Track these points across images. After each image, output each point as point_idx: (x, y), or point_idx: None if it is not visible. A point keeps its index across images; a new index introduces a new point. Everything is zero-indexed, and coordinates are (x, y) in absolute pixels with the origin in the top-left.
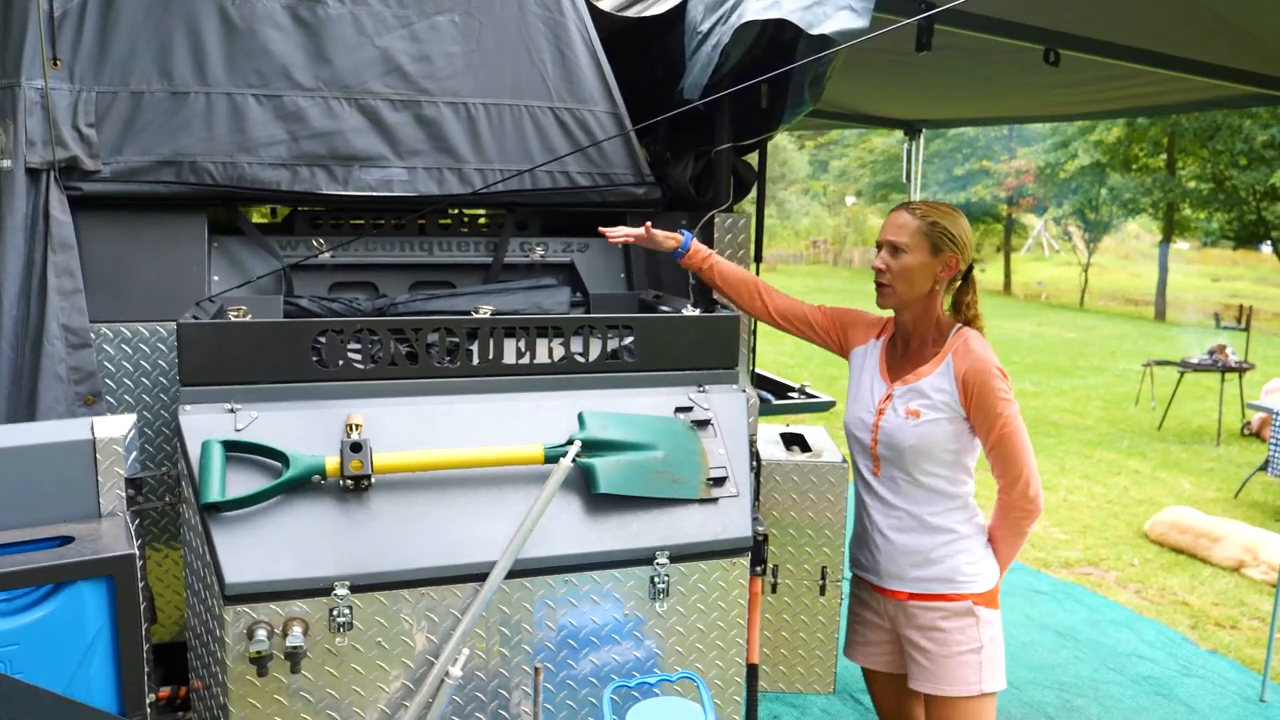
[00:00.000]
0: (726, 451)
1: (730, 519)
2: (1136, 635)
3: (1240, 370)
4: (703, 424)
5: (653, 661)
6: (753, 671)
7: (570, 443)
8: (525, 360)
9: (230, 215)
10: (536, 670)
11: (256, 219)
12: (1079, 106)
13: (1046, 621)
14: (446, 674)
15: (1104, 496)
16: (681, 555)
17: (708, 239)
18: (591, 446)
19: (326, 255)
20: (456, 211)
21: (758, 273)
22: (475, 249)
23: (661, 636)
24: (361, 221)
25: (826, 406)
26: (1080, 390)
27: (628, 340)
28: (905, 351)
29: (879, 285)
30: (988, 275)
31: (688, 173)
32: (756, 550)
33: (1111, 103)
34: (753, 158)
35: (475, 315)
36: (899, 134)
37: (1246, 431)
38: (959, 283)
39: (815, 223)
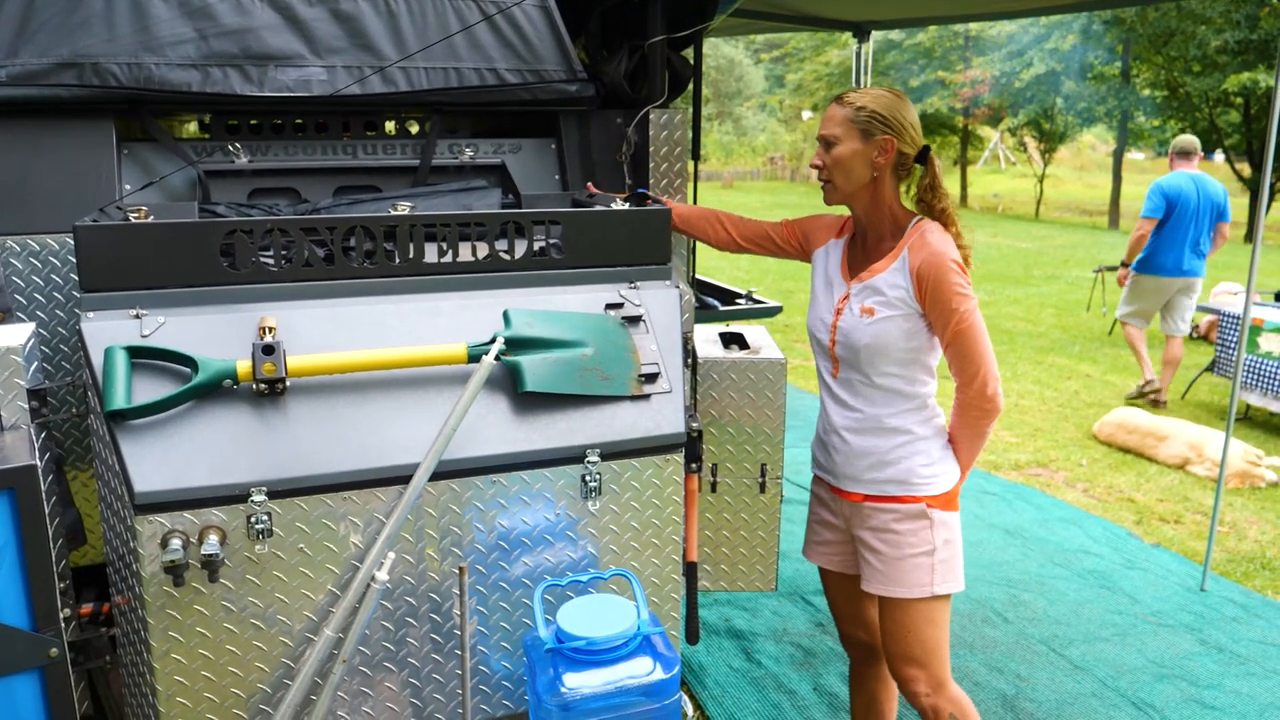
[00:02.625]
0: (659, 348)
1: (663, 415)
2: (1083, 532)
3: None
4: (634, 320)
5: (588, 561)
6: (691, 570)
7: (494, 340)
8: (448, 259)
9: (140, 121)
10: (461, 570)
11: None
12: (1029, 1)
13: (995, 521)
14: (372, 578)
15: (1055, 400)
16: (613, 453)
17: (643, 136)
18: (517, 344)
19: (244, 160)
20: (382, 113)
21: (696, 172)
22: (402, 151)
23: (595, 536)
24: (280, 124)
25: (773, 312)
26: (1033, 298)
27: (554, 238)
28: (864, 248)
29: (822, 184)
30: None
31: (622, 69)
32: (691, 447)
33: None
34: (691, 54)
35: (394, 214)
36: (853, 46)
37: (1195, 334)
38: (916, 172)
39: (772, 138)
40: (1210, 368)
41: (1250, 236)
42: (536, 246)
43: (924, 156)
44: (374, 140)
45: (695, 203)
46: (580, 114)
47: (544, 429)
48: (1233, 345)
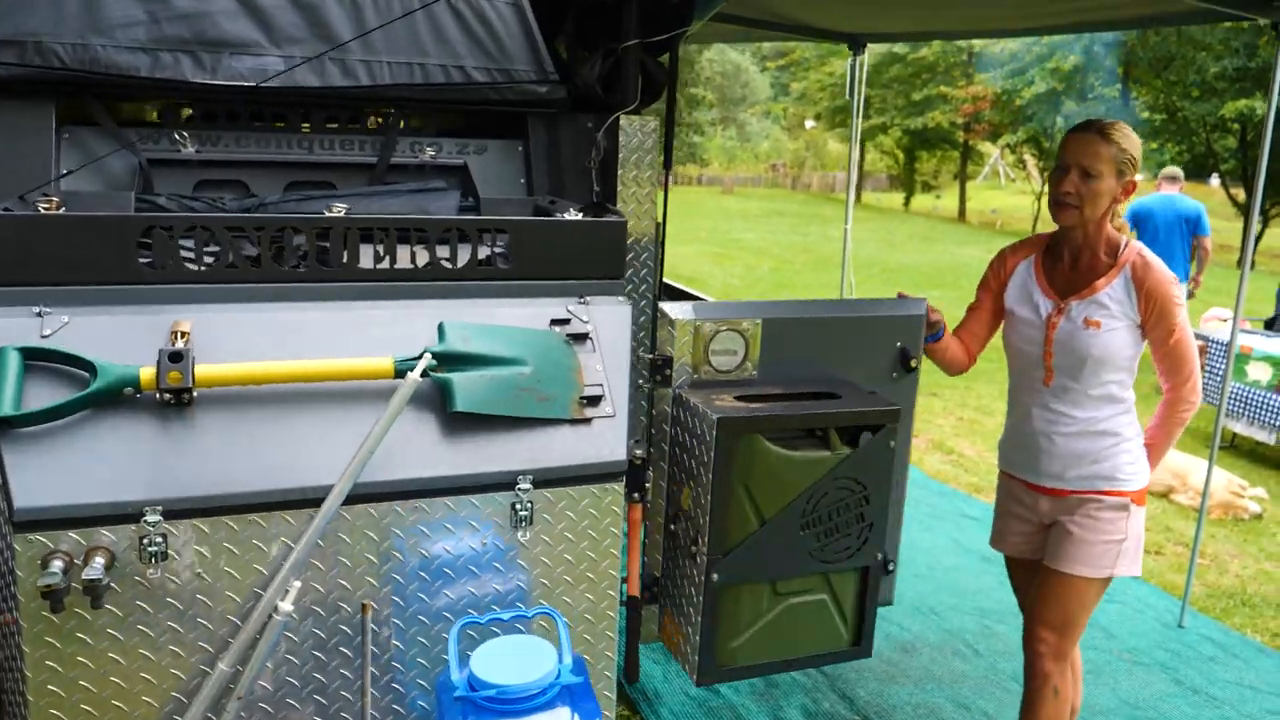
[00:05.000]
0: (605, 368)
1: (604, 441)
2: None
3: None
4: (580, 338)
5: (516, 595)
6: (633, 605)
7: (422, 355)
8: (385, 265)
9: (85, 105)
10: (364, 607)
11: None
12: (1025, 21)
13: (973, 547)
14: (274, 609)
15: None
16: (547, 480)
17: (613, 142)
18: (451, 360)
19: (191, 150)
20: (341, 107)
21: (667, 182)
22: (361, 148)
23: (525, 568)
24: (234, 114)
25: None
26: None
27: (501, 246)
28: (1075, 266)
29: (1065, 204)
30: (943, 202)
31: (595, 71)
32: (634, 475)
33: (1058, 17)
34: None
35: (328, 214)
36: (850, 58)
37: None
38: None
39: (775, 146)
40: None
41: (1242, 262)
42: (482, 255)
43: None
44: (331, 135)
45: (665, 214)
46: (550, 116)
47: (473, 452)
48: (1220, 373)
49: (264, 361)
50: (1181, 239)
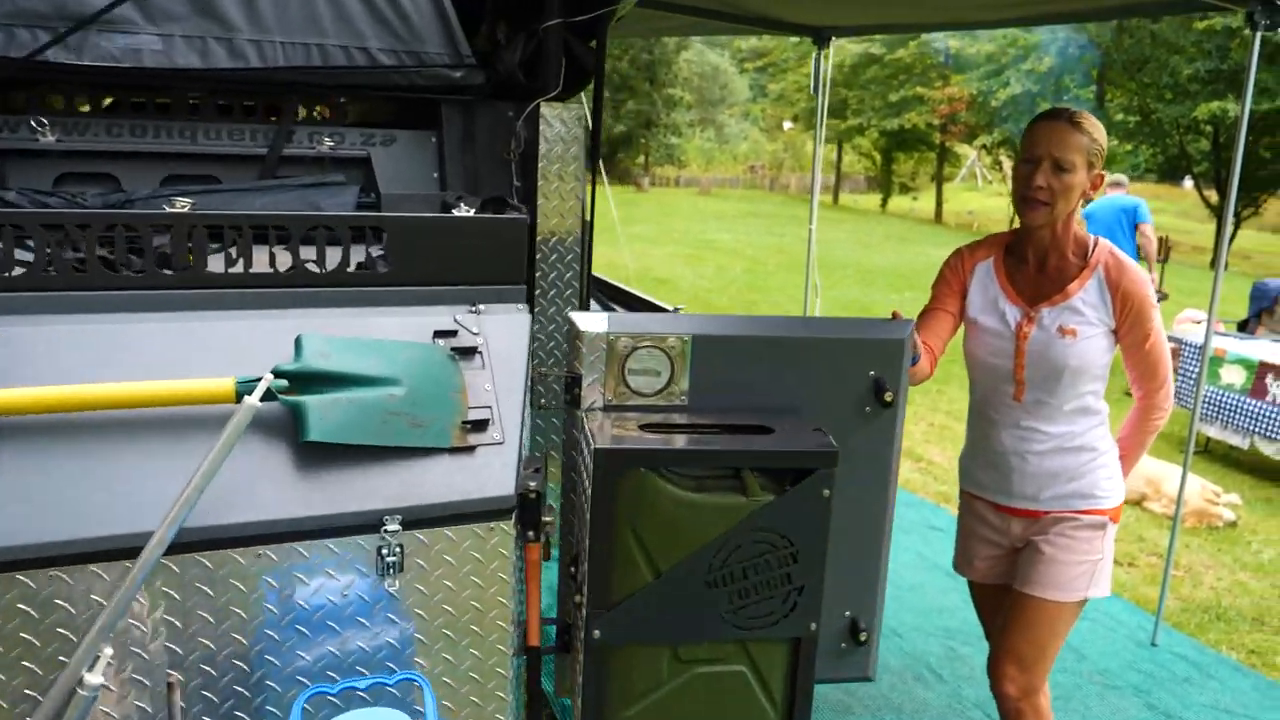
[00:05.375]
0: (495, 388)
1: (489, 473)
2: None
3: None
4: (468, 352)
5: (386, 654)
6: (533, 657)
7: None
8: (239, 269)
9: None
10: (170, 686)
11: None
12: (994, 13)
13: (939, 561)
14: (80, 682)
15: None
16: (420, 520)
17: (532, 132)
18: (306, 380)
19: (51, 139)
20: (228, 92)
21: (594, 179)
22: (252, 138)
23: (396, 622)
24: (106, 100)
25: None
26: None
27: (379, 248)
28: (1042, 268)
29: (1034, 201)
30: (920, 204)
31: (517, 55)
32: (528, 510)
33: (1026, 7)
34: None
35: (169, 210)
36: (836, 59)
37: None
38: None
39: (754, 147)
40: None
41: (1215, 264)
42: (360, 258)
43: None
44: (216, 124)
45: (593, 213)
46: (466, 104)
47: (331, 489)
48: (1194, 376)
49: (78, 384)
50: (1123, 232)
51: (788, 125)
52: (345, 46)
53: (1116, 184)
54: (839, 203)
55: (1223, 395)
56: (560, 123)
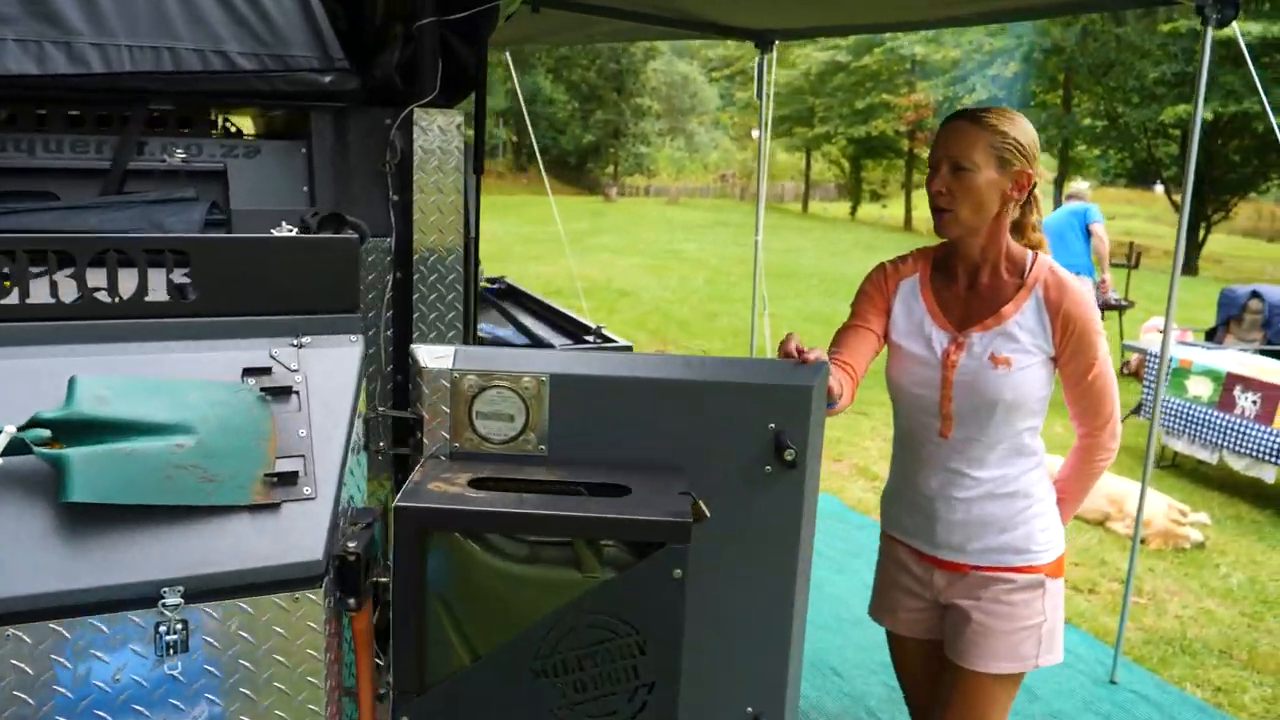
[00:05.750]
0: (312, 433)
1: (295, 534)
2: None
3: (1120, 308)
4: (282, 392)
5: None
6: None
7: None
8: (14, 300)
9: None
10: None
11: None
12: (943, 9)
13: None
14: None
15: None
16: (207, 591)
17: (407, 141)
18: (77, 429)
19: None
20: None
21: (479, 186)
22: (99, 150)
23: (182, 710)
24: None
25: (624, 352)
26: None
27: (184, 274)
28: (973, 287)
29: (937, 208)
30: (889, 211)
31: (395, 58)
32: (348, 575)
33: (968, 5)
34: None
35: None
36: (803, 66)
37: (1125, 371)
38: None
39: (724, 156)
40: (1137, 410)
41: (1183, 269)
42: (155, 284)
43: (1033, 190)
44: (52, 134)
45: (477, 226)
46: (338, 112)
47: (100, 558)
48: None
49: None
50: (1076, 235)
51: (756, 133)
52: (200, 50)
53: (1074, 196)
54: (808, 210)
55: (1190, 408)
56: (438, 130)
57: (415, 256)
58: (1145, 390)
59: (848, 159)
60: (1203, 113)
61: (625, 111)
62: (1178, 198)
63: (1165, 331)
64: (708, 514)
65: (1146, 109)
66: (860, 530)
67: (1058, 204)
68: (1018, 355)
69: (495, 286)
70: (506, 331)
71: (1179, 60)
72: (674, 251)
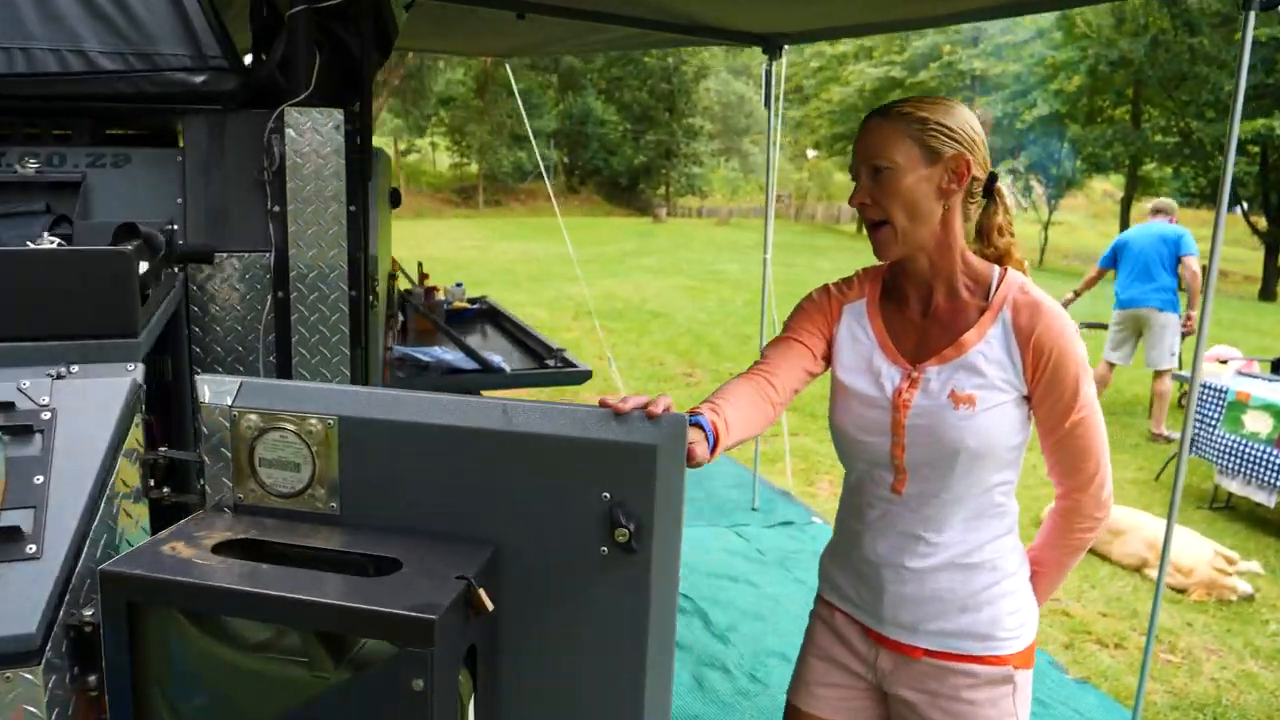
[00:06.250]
0: (52, 479)
1: (10, 601)
2: None
3: (1182, 335)
4: (21, 431)
5: None
6: None
7: None
8: None
9: None
10: None
11: None
12: (947, 6)
13: None
14: None
15: None
16: None
17: (281, 146)
18: None
19: None
20: None
21: (366, 196)
22: None
23: None
24: None
25: (582, 378)
26: None
27: None
28: (927, 312)
29: (871, 228)
30: None
31: (278, 54)
32: (80, 648)
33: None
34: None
35: None
36: (857, 83)
37: (1185, 403)
38: (980, 201)
39: (780, 176)
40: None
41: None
42: None
43: (992, 184)
44: None
45: (367, 239)
46: (214, 115)
47: None
48: (1213, 421)
49: None
50: (1162, 263)
51: (812, 154)
52: (56, 50)
53: (1160, 211)
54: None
55: (1246, 445)
56: (315, 132)
57: (293, 274)
58: (1196, 425)
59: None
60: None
61: (677, 132)
62: (1256, 219)
63: (1195, 360)
64: (490, 606)
65: (1222, 124)
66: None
67: (1123, 227)
68: (983, 392)
69: (475, 307)
70: (454, 355)
71: (1259, 71)
72: (715, 273)
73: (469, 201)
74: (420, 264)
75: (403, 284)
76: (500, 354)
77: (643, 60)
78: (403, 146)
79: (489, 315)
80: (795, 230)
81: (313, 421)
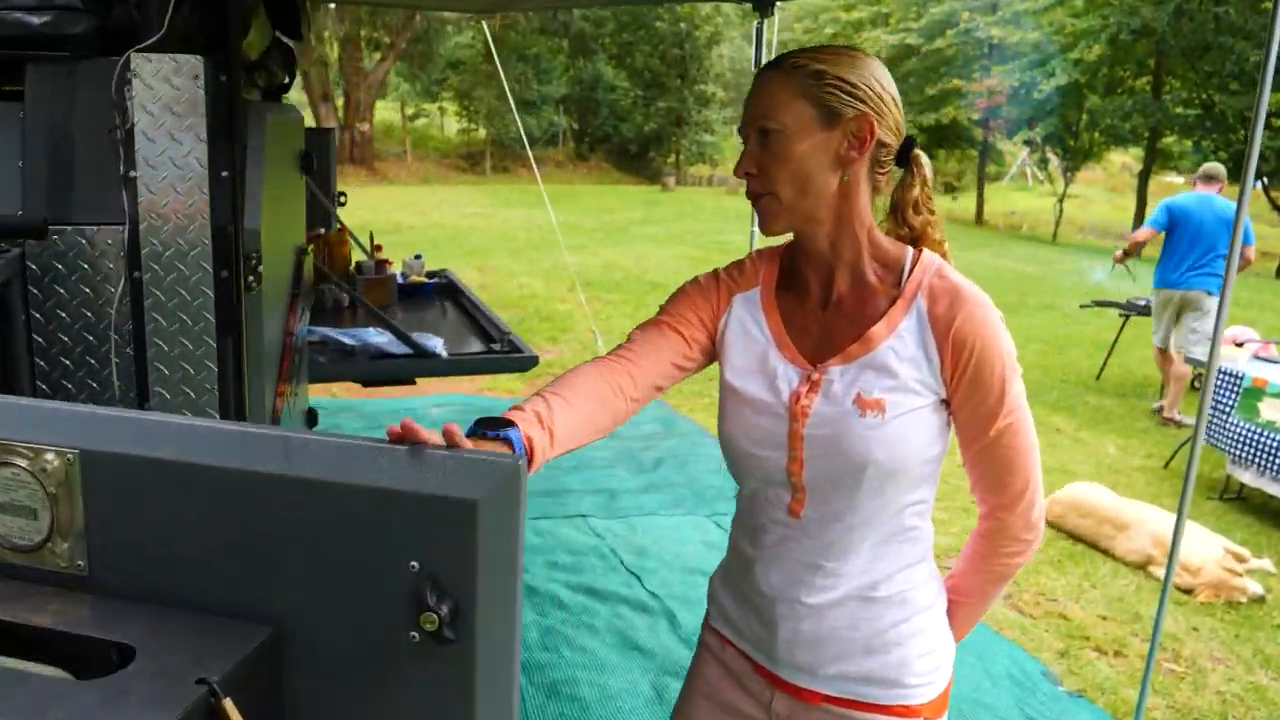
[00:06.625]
0: None
1: None
2: (982, 666)
3: None
4: None
5: None
6: None
7: None
8: None
9: None
10: None
11: None
12: None
13: None
14: None
15: None
16: None
17: (123, 99)
18: None
19: None
20: None
21: (237, 162)
22: None
23: None
24: None
25: (528, 365)
26: (1020, 330)
27: None
28: (829, 303)
29: (754, 198)
30: (960, 204)
31: None
32: None
33: None
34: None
35: None
36: (872, 51)
37: (1197, 385)
38: (895, 172)
39: None
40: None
41: (1229, 268)
42: None
43: (908, 152)
44: None
45: (242, 209)
46: (62, 63)
47: None
48: (1227, 408)
49: None
50: (1218, 242)
51: None
52: None
53: (1209, 179)
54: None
55: (1262, 435)
56: (165, 83)
57: (145, 251)
58: (1211, 413)
59: (920, 149)
60: (1261, 79)
61: (689, 99)
62: (1276, 194)
63: (1214, 343)
64: None
65: (1246, 96)
66: None
67: (1140, 201)
68: (894, 396)
69: (433, 281)
70: (384, 338)
71: None
72: (720, 243)
73: (476, 168)
74: (372, 234)
75: (358, 256)
76: (449, 336)
77: (655, 25)
78: (410, 111)
79: (448, 291)
80: None
81: (49, 456)
